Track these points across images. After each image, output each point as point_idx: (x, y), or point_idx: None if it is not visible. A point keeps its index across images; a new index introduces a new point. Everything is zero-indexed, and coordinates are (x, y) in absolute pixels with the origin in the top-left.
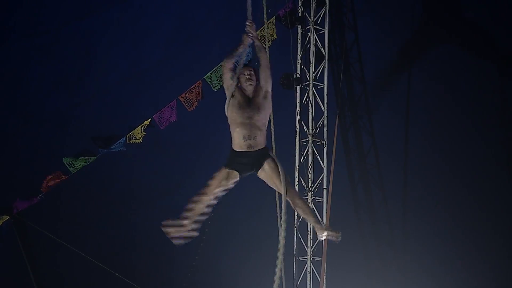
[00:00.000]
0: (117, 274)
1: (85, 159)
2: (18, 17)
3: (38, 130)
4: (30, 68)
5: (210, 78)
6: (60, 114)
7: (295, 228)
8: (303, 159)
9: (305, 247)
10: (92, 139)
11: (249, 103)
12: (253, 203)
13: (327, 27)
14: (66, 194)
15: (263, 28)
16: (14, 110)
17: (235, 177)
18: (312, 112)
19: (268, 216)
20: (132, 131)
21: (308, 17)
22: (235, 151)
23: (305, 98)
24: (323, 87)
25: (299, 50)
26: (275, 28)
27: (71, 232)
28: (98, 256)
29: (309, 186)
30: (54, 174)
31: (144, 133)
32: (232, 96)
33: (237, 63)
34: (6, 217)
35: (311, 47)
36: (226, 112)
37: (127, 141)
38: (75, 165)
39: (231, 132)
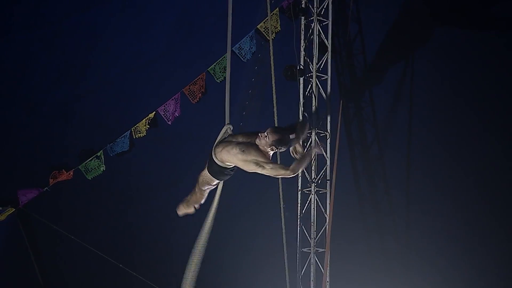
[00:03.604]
0: (120, 265)
1: (97, 161)
2: (20, 9)
3: (41, 122)
4: (32, 60)
5: (213, 70)
6: (63, 106)
7: (298, 220)
8: (306, 151)
9: (309, 239)
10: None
11: None
12: (255, 195)
13: (330, 19)
14: (69, 185)
15: (266, 19)
16: (17, 102)
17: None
18: (315, 104)
19: (271, 207)
20: (137, 124)
21: (312, 9)
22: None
23: (308, 89)
24: (327, 79)
25: (302, 41)
26: (278, 20)
27: (75, 223)
28: (101, 247)
29: (313, 177)
30: (62, 172)
31: (148, 126)
32: None
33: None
34: (11, 209)
35: (315, 39)
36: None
37: (134, 136)
38: (89, 168)
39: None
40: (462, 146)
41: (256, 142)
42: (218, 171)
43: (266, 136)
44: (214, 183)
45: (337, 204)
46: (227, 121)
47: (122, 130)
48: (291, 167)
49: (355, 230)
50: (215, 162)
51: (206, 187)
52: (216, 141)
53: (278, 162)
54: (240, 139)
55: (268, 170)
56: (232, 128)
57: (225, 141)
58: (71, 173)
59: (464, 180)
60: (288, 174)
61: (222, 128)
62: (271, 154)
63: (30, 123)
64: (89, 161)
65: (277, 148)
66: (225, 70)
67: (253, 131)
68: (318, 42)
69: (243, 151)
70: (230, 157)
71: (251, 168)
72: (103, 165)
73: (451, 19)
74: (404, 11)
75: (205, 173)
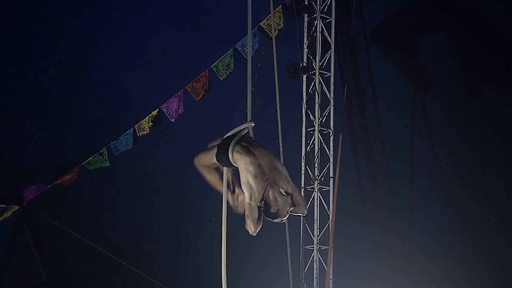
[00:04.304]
0: (124, 262)
1: (102, 158)
2: (22, 6)
3: (44, 120)
4: (35, 57)
5: (216, 68)
6: (66, 104)
7: (302, 217)
8: (309, 148)
9: (312, 236)
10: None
11: None
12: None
13: (333, 16)
14: (73, 183)
15: (269, 17)
16: (20, 100)
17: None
18: (318, 101)
19: None
20: (140, 122)
21: (315, 6)
22: None
23: (311, 87)
24: (330, 76)
25: (305, 39)
26: (281, 17)
27: (78, 220)
28: (105, 244)
29: (316, 175)
30: (71, 172)
31: (152, 124)
32: None
33: None
34: (15, 207)
35: (318, 36)
36: None
37: (137, 134)
38: (92, 163)
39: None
40: (465, 143)
41: (272, 190)
42: (225, 163)
43: (287, 210)
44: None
45: (340, 201)
46: (249, 117)
47: (125, 128)
48: (256, 224)
49: (358, 227)
50: (228, 156)
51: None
52: (233, 131)
53: None
54: (263, 163)
55: (248, 207)
56: (253, 125)
57: (250, 151)
58: (76, 171)
59: (467, 176)
60: (251, 227)
61: (243, 123)
62: (265, 201)
63: (33, 120)
64: (92, 158)
65: (271, 209)
66: (228, 67)
67: (279, 166)
68: (321, 39)
69: (256, 177)
70: (241, 166)
71: (244, 189)
72: (107, 161)
73: (455, 15)
74: (407, 7)
75: (211, 156)
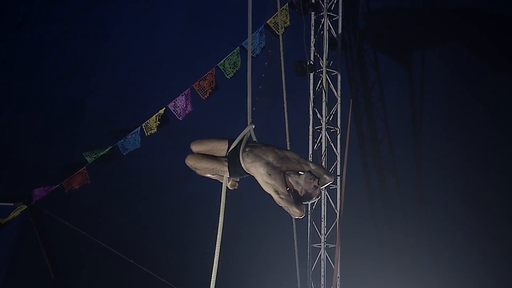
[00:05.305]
0: (132, 261)
1: (105, 151)
2: (31, 5)
3: (52, 118)
4: (43, 56)
5: (223, 66)
6: (74, 102)
7: (309, 215)
8: (316, 146)
9: (319, 234)
10: (111, 131)
11: None
12: (264, 191)
13: (340, 14)
14: (81, 186)
15: (276, 15)
16: (28, 98)
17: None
18: (325, 99)
19: None
20: (147, 120)
21: (322, 4)
22: None
23: (318, 85)
24: (337, 74)
25: (312, 37)
26: (288, 15)
27: (86, 219)
28: (112, 243)
29: None
30: (78, 177)
31: (159, 123)
32: None
33: None
34: (24, 206)
35: (325, 34)
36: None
37: (145, 134)
38: (95, 156)
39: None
40: (472, 141)
41: (291, 177)
42: (239, 173)
43: (313, 185)
44: (218, 174)
45: (347, 199)
46: (249, 120)
47: (132, 127)
48: (298, 205)
49: (365, 225)
50: (241, 166)
51: (204, 169)
52: (237, 140)
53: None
54: (271, 159)
55: (282, 201)
56: (254, 127)
57: (256, 155)
58: (84, 172)
59: (474, 174)
60: (296, 212)
61: (244, 129)
62: (291, 190)
63: (41, 119)
64: (99, 156)
65: (300, 193)
66: (235, 65)
67: (287, 154)
68: (328, 37)
69: (270, 175)
70: (255, 172)
71: (268, 189)
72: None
73: (463, 14)
74: (414, 5)
75: (221, 168)
